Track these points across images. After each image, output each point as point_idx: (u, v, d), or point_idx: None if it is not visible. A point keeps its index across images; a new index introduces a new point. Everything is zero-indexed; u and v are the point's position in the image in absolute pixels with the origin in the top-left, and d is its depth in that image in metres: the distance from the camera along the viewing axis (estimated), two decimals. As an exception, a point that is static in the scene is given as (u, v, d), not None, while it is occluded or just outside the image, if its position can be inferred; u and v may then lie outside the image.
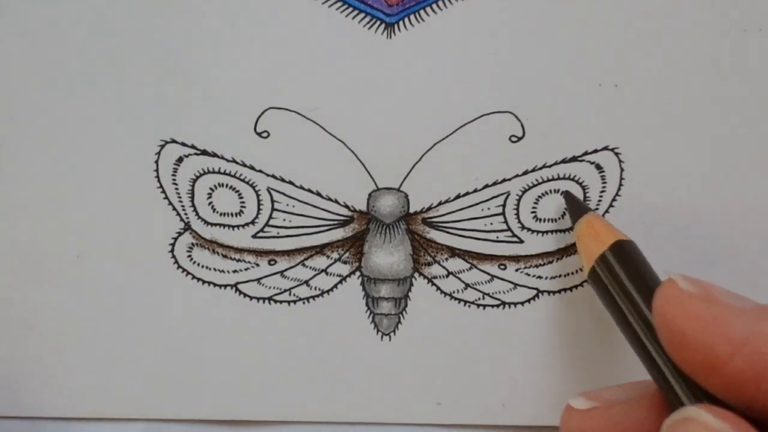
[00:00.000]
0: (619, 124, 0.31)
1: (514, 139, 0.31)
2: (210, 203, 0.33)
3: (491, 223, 0.33)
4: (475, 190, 0.32)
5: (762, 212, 0.32)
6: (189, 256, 0.33)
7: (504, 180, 0.32)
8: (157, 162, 0.32)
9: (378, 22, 0.30)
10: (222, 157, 0.32)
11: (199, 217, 0.33)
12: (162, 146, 0.32)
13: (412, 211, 0.33)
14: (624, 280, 0.27)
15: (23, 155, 0.32)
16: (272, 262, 0.33)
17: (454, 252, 0.33)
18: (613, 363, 0.34)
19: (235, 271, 0.33)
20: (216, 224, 0.33)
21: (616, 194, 0.32)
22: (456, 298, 0.33)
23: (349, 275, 0.33)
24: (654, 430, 0.24)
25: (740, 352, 0.21)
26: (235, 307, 0.34)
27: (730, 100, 0.31)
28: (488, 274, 0.33)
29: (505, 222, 0.33)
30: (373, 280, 0.33)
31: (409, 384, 0.34)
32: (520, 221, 0.33)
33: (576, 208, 0.31)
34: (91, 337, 0.34)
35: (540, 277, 0.33)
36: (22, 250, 0.33)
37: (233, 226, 0.33)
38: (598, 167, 0.32)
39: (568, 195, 0.32)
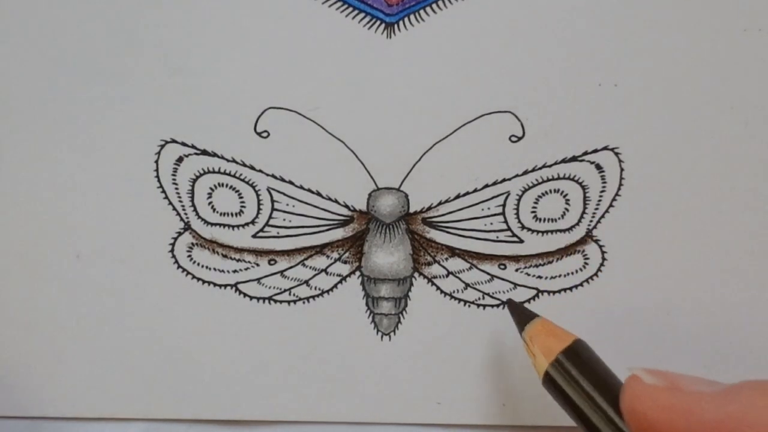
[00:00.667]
0: (619, 123, 0.31)
1: (514, 138, 0.31)
2: (210, 203, 0.33)
3: (491, 223, 0.33)
4: (475, 190, 0.32)
5: (762, 211, 0.32)
6: (189, 255, 0.33)
7: (504, 180, 0.32)
8: (157, 162, 0.32)
9: (378, 22, 0.30)
10: (222, 157, 0.32)
11: (199, 217, 0.33)
12: (162, 146, 0.32)
13: (412, 210, 0.33)
14: (585, 378, 0.26)
15: (23, 155, 0.32)
16: (272, 262, 0.33)
17: (454, 252, 0.33)
18: (613, 363, 0.34)
19: (235, 271, 0.33)
20: (216, 224, 0.33)
21: (616, 194, 0.32)
22: (456, 298, 0.33)
23: (349, 275, 0.33)
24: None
25: None
26: (235, 307, 0.34)
27: (730, 100, 0.31)
28: (488, 273, 0.33)
29: (505, 222, 0.33)
30: (373, 280, 0.33)
31: (409, 384, 0.34)
32: (520, 221, 0.33)
33: (522, 314, 0.30)
34: (90, 336, 0.34)
35: (540, 277, 0.33)
36: (21, 250, 0.33)
37: (233, 226, 0.33)
38: (598, 167, 0.32)
39: (511, 303, 0.31)
